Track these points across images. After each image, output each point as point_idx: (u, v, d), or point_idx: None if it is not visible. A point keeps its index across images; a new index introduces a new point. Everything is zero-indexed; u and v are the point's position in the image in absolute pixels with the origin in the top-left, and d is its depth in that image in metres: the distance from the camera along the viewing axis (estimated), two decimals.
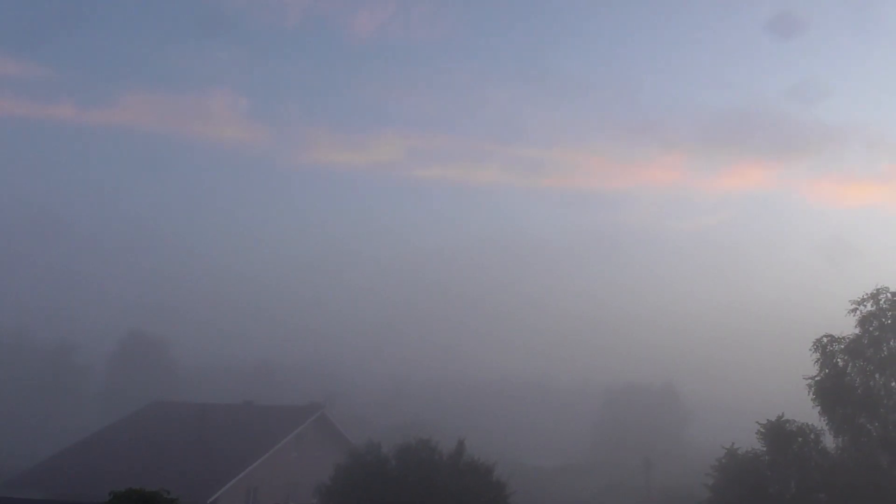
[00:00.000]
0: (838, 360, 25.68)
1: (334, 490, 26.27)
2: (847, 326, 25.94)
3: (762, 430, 25.77)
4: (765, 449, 25.59)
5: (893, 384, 24.89)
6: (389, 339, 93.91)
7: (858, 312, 25.79)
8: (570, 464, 59.31)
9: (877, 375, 25.17)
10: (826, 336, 26.02)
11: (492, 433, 56.59)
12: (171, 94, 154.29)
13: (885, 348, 25.08)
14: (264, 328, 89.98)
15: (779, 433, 25.35)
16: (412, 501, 24.88)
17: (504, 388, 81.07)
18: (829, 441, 25.53)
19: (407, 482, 25.24)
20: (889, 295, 25.51)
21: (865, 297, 25.87)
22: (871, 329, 25.46)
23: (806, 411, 26.11)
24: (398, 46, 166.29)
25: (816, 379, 25.67)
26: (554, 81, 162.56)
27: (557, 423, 73.61)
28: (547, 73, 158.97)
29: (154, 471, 29.11)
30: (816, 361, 25.89)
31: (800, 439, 25.28)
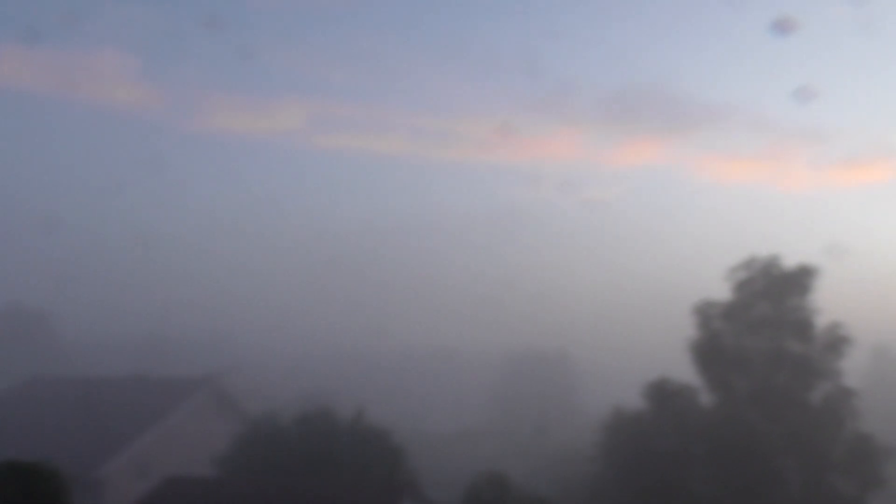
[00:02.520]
0: (715, 323, 27.55)
1: (232, 461, 26.08)
2: (724, 292, 27.82)
3: (646, 390, 27.56)
4: (649, 408, 27.38)
5: (761, 345, 26.92)
6: (291, 311, 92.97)
7: (733, 278, 27.65)
8: (468, 430, 60.92)
9: (747, 337, 27.16)
10: (704, 301, 27.85)
11: (393, 401, 57.30)
12: (53, 51, 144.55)
13: (755, 312, 27.06)
14: (156, 300, 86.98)
15: (661, 393, 27.13)
16: (311, 470, 25.06)
17: (406, 358, 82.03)
18: (706, 398, 27.49)
19: (306, 451, 25.35)
20: (760, 263, 27.42)
21: (740, 265, 27.74)
22: (744, 294, 27.38)
23: (688, 372, 27.96)
24: (302, 10, 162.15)
25: (695, 341, 27.51)
26: (459, 53, 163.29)
27: (458, 391, 75.33)
28: (452, 44, 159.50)
29: (31, 448, 27.83)
30: (695, 324, 27.73)
31: (679, 397, 27.14)
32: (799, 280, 26.67)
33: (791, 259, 27.16)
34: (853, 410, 25.50)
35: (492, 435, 58.72)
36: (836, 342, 26.04)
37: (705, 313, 27.65)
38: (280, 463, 24.93)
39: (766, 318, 26.89)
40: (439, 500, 28.89)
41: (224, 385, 39.58)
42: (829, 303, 27.24)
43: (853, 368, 28.86)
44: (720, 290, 27.93)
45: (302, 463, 25.00)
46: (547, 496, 26.70)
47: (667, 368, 28.87)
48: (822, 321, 26.55)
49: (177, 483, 22.88)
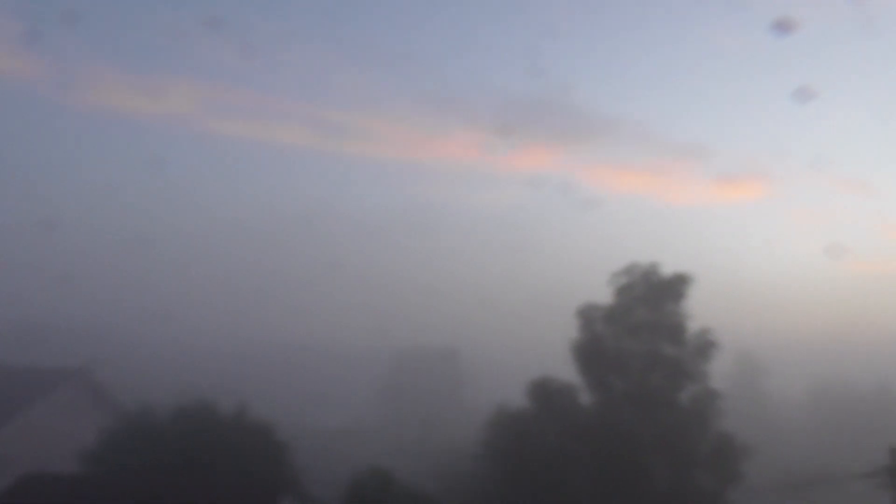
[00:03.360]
0: (597, 325, 28.71)
1: (101, 457, 24.67)
2: (606, 296, 29.03)
3: (529, 389, 28.38)
4: (531, 406, 28.20)
5: (639, 347, 28.28)
6: (174, 303, 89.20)
7: (615, 284, 28.90)
8: (354, 426, 60.63)
9: (626, 339, 28.47)
10: (587, 304, 28.96)
11: (278, 396, 56.15)
12: None
13: (634, 316, 28.41)
14: (29, 287, 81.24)
15: (543, 391, 28.01)
16: (189, 467, 24.10)
17: (293, 352, 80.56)
18: (586, 398, 28.59)
19: (183, 447, 24.34)
20: (640, 270, 28.80)
21: (622, 271, 29.04)
22: (624, 299, 28.69)
23: (569, 372, 28.97)
24: None
25: (578, 342, 28.57)
26: (362, 46, 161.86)
27: (345, 387, 74.75)
28: (355, 37, 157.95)
29: None
30: (579, 327, 28.80)
31: (560, 396, 28.11)
32: (675, 287, 28.21)
33: (669, 267, 28.73)
34: (717, 411, 27.19)
35: (378, 431, 58.72)
36: (706, 346, 27.71)
37: (588, 316, 28.76)
38: (154, 459, 23.81)
39: (643, 322, 28.29)
40: (322, 497, 28.55)
41: (98, 377, 37.40)
42: (700, 309, 28.97)
43: (719, 372, 30.84)
44: (603, 295, 29.20)
45: (178, 460, 24.00)
46: (431, 493, 26.97)
47: (552, 368, 29.83)
48: (693, 326, 28.19)
49: (34, 480, 21.32)
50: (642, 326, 28.33)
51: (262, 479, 23.98)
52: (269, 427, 26.00)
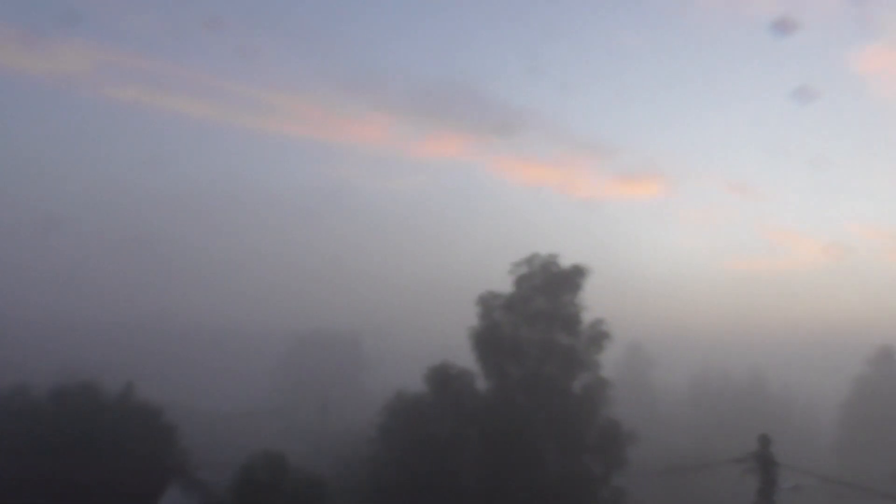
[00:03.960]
0: (496, 313, 29.12)
1: None
2: (507, 285, 29.46)
3: (428, 374, 28.54)
4: (429, 391, 28.36)
5: (535, 336, 28.88)
6: (58, 279, 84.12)
7: (516, 273, 29.37)
8: (248, 409, 59.29)
9: (524, 328, 29.02)
10: (488, 293, 29.32)
11: (169, 378, 54.10)
12: None
13: (532, 305, 28.98)
14: None
15: (441, 377, 28.23)
16: (70, 447, 22.88)
17: (187, 333, 77.76)
18: (482, 384, 29.00)
19: (63, 427, 23.08)
20: (540, 260, 29.36)
21: (523, 261, 29.52)
22: (524, 288, 29.18)
23: (467, 357, 29.27)
24: None
25: (477, 329, 28.90)
26: (281, 25, 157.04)
27: (241, 370, 72.91)
28: (274, 15, 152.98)
29: None
30: (479, 314, 29.12)
31: (458, 382, 28.41)
32: (572, 278, 28.90)
33: (568, 259, 29.43)
34: (607, 399, 28.16)
35: (274, 414, 57.65)
36: (599, 337, 28.56)
37: (487, 304, 29.14)
38: (30, 441, 22.47)
39: (541, 311, 28.89)
40: (213, 481, 27.76)
41: None
42: (595, 301, 29.82)
43: (610, 361, 31.94)
44: (504, 283, 29.61)
45: (58, 440, 22.74)
46: (325, 476, 26.71)
47: (452, 354, 30.06)
48: (588, 317, 28.99)
49: None
50: (540, 315, 28.92)
51: (148, 464, 23.08)
52: (156, 409, 25.02)
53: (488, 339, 28.52)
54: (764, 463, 17.58)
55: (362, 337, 75.81)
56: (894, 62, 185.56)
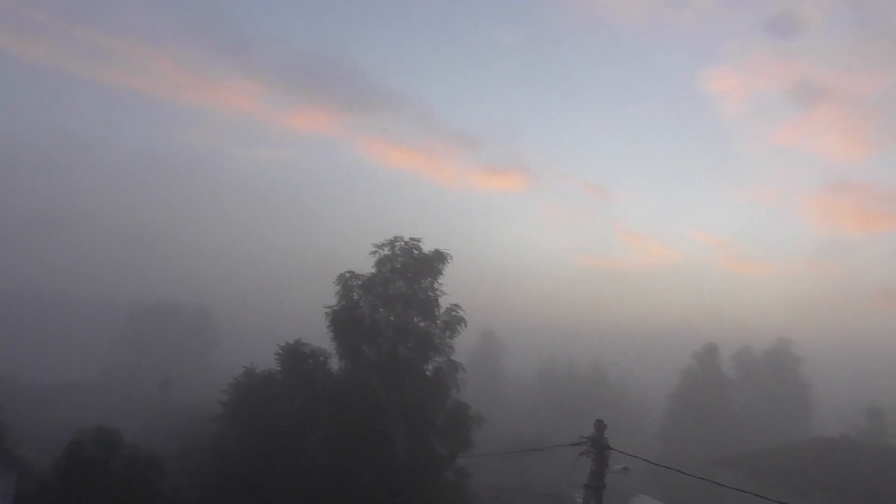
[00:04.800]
0: (355, 293, 28.89)
1: None
2: (366, 266, 29.30)
3: (280, 351, 27.90)
4: (280, 368, 27.73)
5: (392, 318, 28.96)
6: None
7: (377, 255, 29.26)
8: (80, 382, 55.36)
9: (381, 310, 29.00)
10: (348, 272, 29.02)
11: None
12: None
13: (391, 287, 29.01)
14: None
15: (294, 355, 27.67)
16: None
17: (13, 298, 71.35)
18: (336, 363, 28.73)
19: None
20: (402, 243, 29.42)
21: (385, 242, 29.45)
22: (384, 270, 29.15)
23: (323, 337, 28.84)
24: None
25: (334, 308, 28.55)
26: None
27: (74, 340, 67.89)
28: None
29: None
30: (337, 293, 28.77)
31: (311, 361, 27.99)
32: (433, 264, 29.17)
33: (430, 244, 29.65)
34: (458, 383, 28.72)
35: (109, 388, 54.18)
36: (454, 322, 29.03)
37: (346, 284, 28.85)
38: None
39: (400, 294, 28.99)
40: (34, 459, 25.75)
41: None
42: (453, 287, 30.30)
43: (463, 346, 32.61)
44: (364, 264, 29.42)
45: None
46: (165, 454, 25.45)
47: (305, 332, 29.53)
48: (445, 302, 29.40)
49: None
50: (398, 298, 29.02)
51: None
52: None
53: (345, 319, 28.26)
54: (598, 446, 18.60)
55: (212, 311, 72.81)
56: (739, 84, 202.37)
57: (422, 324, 29.02)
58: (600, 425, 19.23)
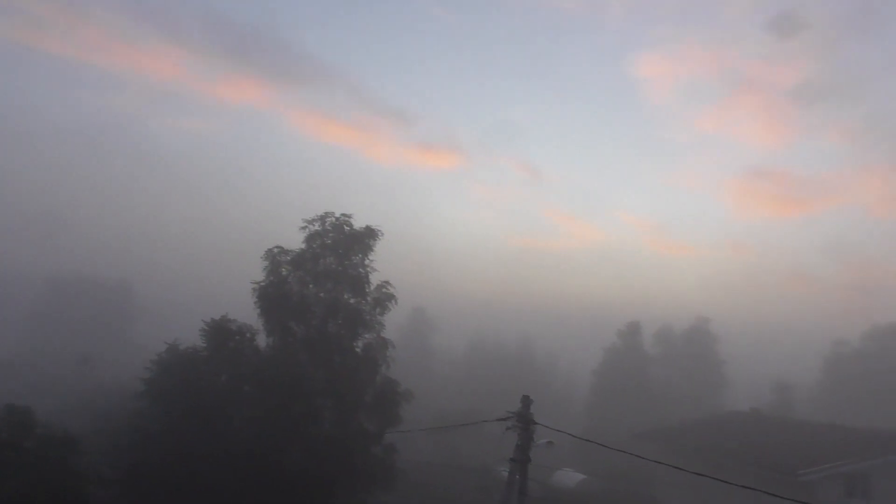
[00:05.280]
0: (283, 269, 28.45)
1: None
2: (296, 241, 28.87)
3: (205, 328, 27.26)
4: (205, 345, 27.12)
5: (322, 294, 28.66)
6: None
7: (307, 230, 28.84)
8: None
9: (311, 286, 28.66)
10: (277, 248, 28.53)
11: None
12: None
13: (322, 263, 28.68)
14: None
15: (219, 331, 27.10)
16: None
17: None
18: (263, 340, 28.28)
19: None
20: (334, 219, 29.09)
21: (315, 218, 29.06)
22: (314, 246, 28.79)
23: (249, 313, 28.32)
24: None
25: (262, 284, 28.06)
26: None
27: None
28: None
29: None
30: (265, 269, 28.26)
31: (238, 337, 27.47)
32: (364, 240, 28.97)
33: (361, 220, 29.41)
34: (387, 359, 28.73)
35: (23, 366, 51.87)
36: (385, 299, 28.94)
37: (275, 259, 28.37)
38: None
39: (330, 270, 28.69)
40: None
41: None
42: (384, 264, 30.20)
43: (394, 323, 32.60)
44: (294, 239, 28.98)
45: None
46: (80, 433, 24.57)
47: (232, 308, 28.94)
48: (376, 279, 29.29)
49: None
50: (328, 274, 28.72)
51: None
52: None
53: (273, 296, 27.82)
54: (523, 421, 19.00)
55: (134, 286, 70.35)
56: (667, 70, 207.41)
57: (352, 300, 28.83)
58: (526, 401, 19.63)
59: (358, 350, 28.65)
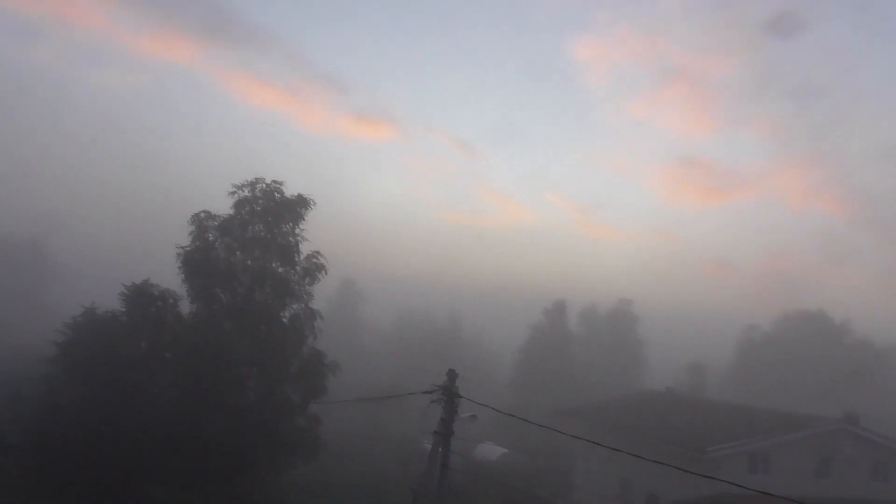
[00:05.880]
0: (210, 235, 27.71)
1: None
2: (224, 207, 28.11)
3: (125, 292, 26.37)
4: (124, 310, 26.24)
5: (249, 262, 28.09)
6: None
7: (236, 196, 28.13)
8: None
9: (238, 253, 28.05)
10: (204, 212, 27.74)
11: None
12: None
13: (250, 230, 28.06)
14: None
15: (140, 296, 26.25)
16: None
17: None
18: (187, 306, 27.57)
19: None
20: (264, 186, 28.44)
21: (245, 183, 28.35)
22: (243, 212, 28.11)
23: (173, 279, 27.50)
24: None
25: (187, 249, 27.27)
26: None
27: None
28: None
29: None
30: (191, 234, 27.46)
31: (160, 303, 26.69)
32: (294, 208, 28.44)
33: (293, 188, 28.84)
34: (315, 330, 28.46)
35: None
36: (314, 269, 28.58)
37: (202, 224, 27.60)
38: None
39: (258, 238, 28.11)
40: None
41: None
42: (315, 233, 29.76)
43: (323, 294, 32.29)
44: (221, 204, 28.19)
45: None
46: None
47: (154, 273, 28.07)
48: (306, 248, 28.84)
49: None
50: (256, 242, 28.14)
51: None
52: None
53: (198, 261, 27.10)
54: (448, 395, 19.19)
55: (48, 246, 67.22)
56: (603, 55, 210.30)
57: (280, 269, 28.38)
58: (452, 374, 19.82)
59: (285, 320, 28.28)
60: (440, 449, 19.18)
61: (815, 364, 69.80)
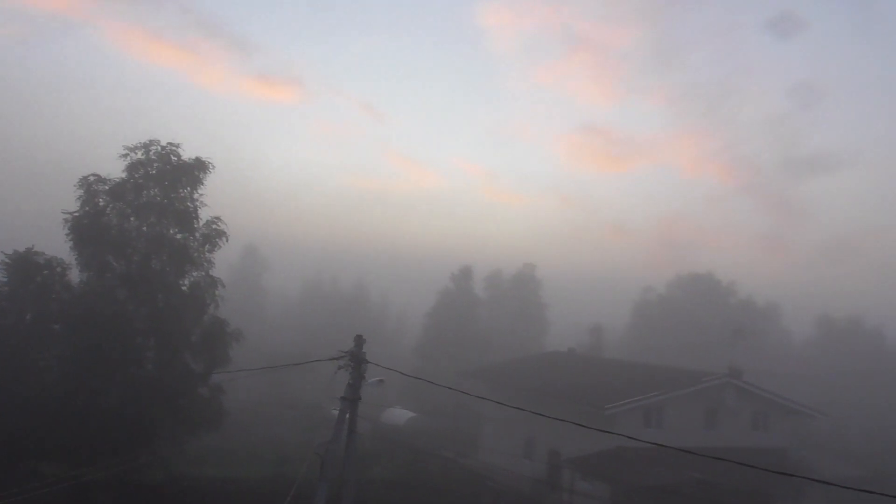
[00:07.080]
0: (100, 199, 26.19)
1: None
2: (115, 170, 26.59)
3: (7, 260, 24.69)
4: (6, 280, 24.61)
5: (144, 228, 26.75)
6: None
7: (129, 158, 26.64)
8: None
9: (132, 219, 26.65)
10: (93, 175, 26.16)
11: None
12: None
13: (145, 195, 26.68)
14: None
15: (24, 264, 24.65)
16: None
17: None
18: (76, 275, 26.10)
19: None
20: (159, 148, 27.05)
21: (138, 145, 26.87)
22: (136, 176, 26.66)
23: (60, 246, 25.92)
24: None
25: (76, 215, 25.70)
26: None
27: None
28: None
29: None
30: (79, 198, 25.88)
31: (46, 272, 25.15)
32: (193, 172, 27.19)
33: (191, 151, 27.54)
34: (216, 298, 27.50)
35: None
36: (214, 235, 27.47)
37: (91, 188, 26.03)
38: None
39: (154, 203, 26.76)
40: None
41: None
42: (215, 198, 28.63)
43: (224, 261, 31.27)
44: (113, 167, 26.65)
45: None
46: None
47: (39, 240, 26.40)
48: (206, 214, 27.70)
49: None
50: (152, 207, 26.78)
51: None
52: None
53: (88, 228, 25.56)
54: (356, 360, 19.10)
55: None
56: (509, 21, 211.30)
57: (178, 236, 27.17)
58: (359, 340, 19.73)
59: (184, 288, 27.22)
60: (348, 414, 19.11)
61: (705, 323, 74.01)
